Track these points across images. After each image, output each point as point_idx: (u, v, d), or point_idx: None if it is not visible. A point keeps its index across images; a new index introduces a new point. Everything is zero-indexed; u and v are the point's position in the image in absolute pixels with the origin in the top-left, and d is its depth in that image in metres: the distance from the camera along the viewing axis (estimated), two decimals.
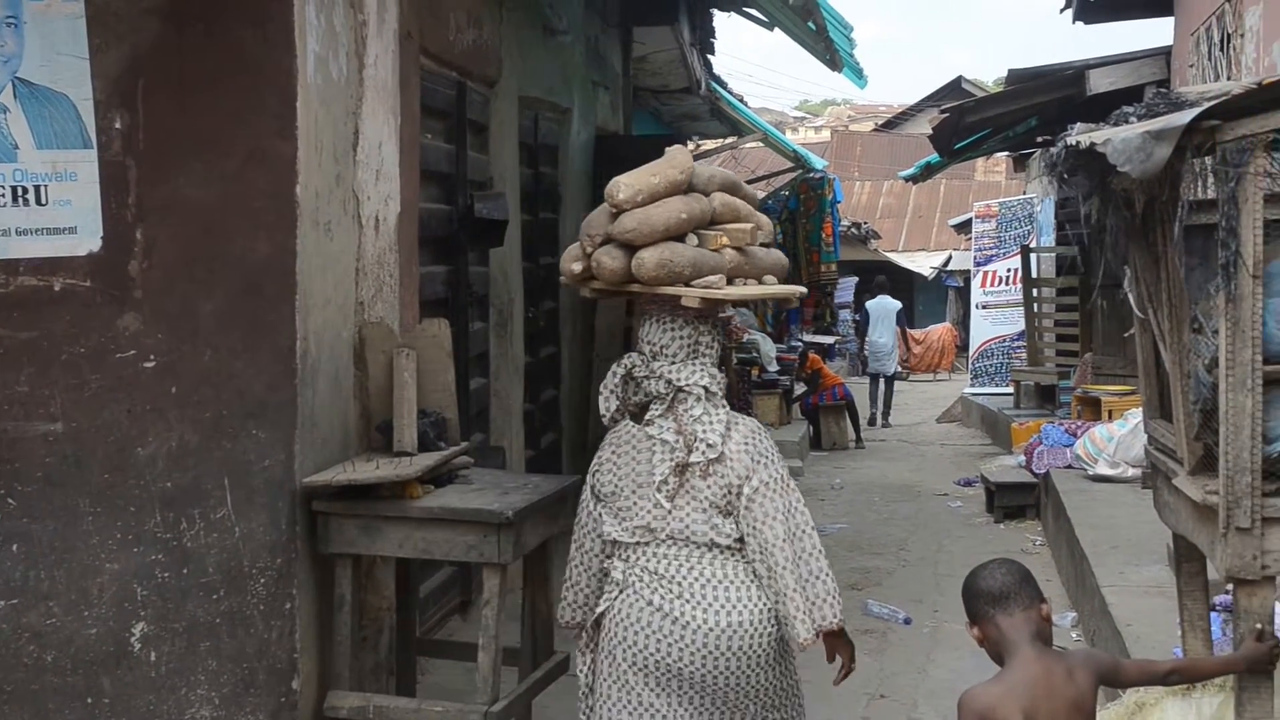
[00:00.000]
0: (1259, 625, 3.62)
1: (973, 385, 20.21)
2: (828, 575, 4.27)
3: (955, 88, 33.47)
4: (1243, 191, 3.53)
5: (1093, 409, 12.43)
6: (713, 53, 13.71)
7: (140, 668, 4.43)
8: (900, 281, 31.18)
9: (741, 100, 16.66)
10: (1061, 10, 12.73)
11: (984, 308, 20.31)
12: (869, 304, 20.82)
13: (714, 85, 14.15)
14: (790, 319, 19.34)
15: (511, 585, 5.34)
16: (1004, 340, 19.62)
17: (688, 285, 4.28)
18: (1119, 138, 3.62)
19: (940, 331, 28.90)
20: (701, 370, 4.34)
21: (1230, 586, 3.73)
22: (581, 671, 4.50)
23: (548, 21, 8.34)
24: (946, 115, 13.79)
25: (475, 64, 6.78)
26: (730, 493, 4.22)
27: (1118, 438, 10.48)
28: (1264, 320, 3.60)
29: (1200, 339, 3.81)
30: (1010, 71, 13.91)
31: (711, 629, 4.14)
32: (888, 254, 31.39)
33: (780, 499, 4.25)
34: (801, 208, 19.04)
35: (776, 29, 11.08)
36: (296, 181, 4.39)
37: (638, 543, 4.28)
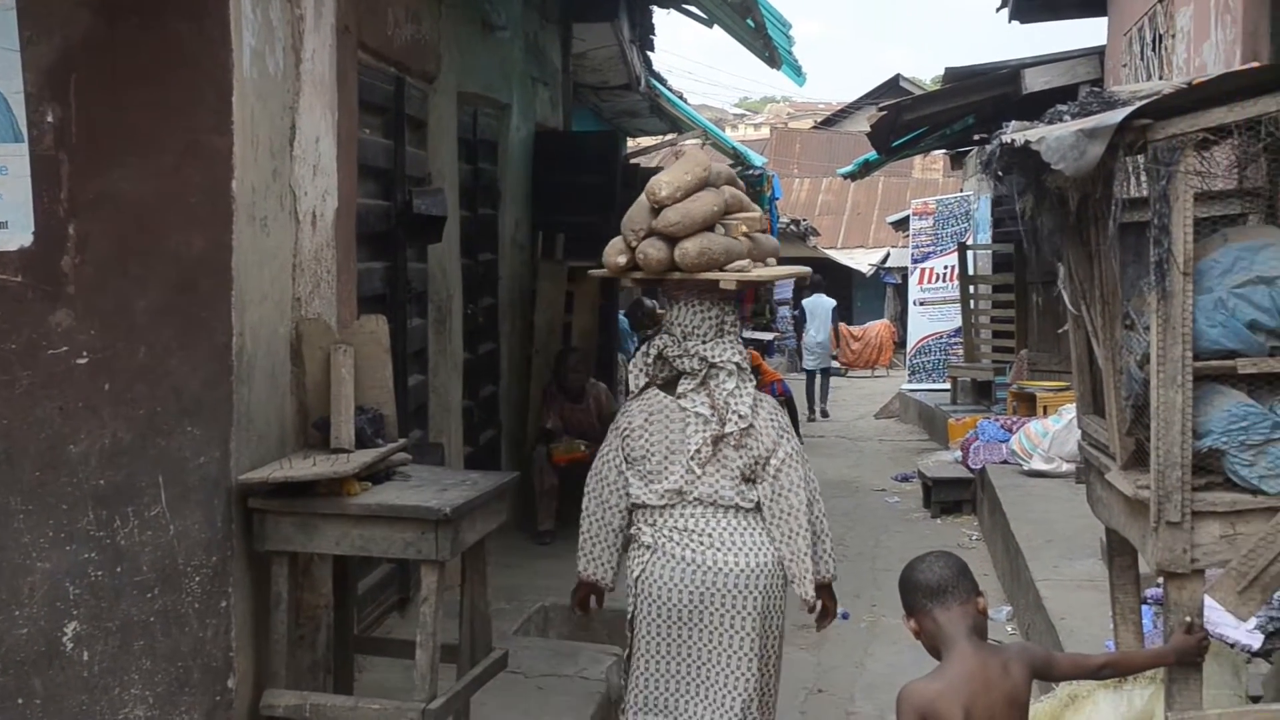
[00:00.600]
0: (1188, 618, 3.67)
1: (910, 381, 20.36)
2: (829, 534, 4.98)
3: (893, 86, 33.65)
4: (1174, 190, 3.58)
5: (1028, 405, 12.55)
6: (652, 49, 13.72)
7: (73, 667, 4.38)
8: (839, 278, 31.35)
9: (681, 97, 16.68)
10: (998, 9, 12.84)
11: (921, 304, 20.46)
12: (805, 302, 21.48)
13: (654, 82, 14.17)
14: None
15: (450, 582, 5.32)
16: (941, 337, 19.78)
17: (722, 270, 4.85)
18: (1053, 136, 3.65)
19: (878, 328, 29.08)
20: (731, 348, 4.92)
21: (1161, 580, 3.78)
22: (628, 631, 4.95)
23: (487, 17, 8.32)
24: (884, 113, 13.88)
25: (414, 59, 6.75)
26: (757, 462, 4.81)
27: (1052, 433, 10.59)
28: (1194, 317, 3.65)
29: (1132, 335, 3.86)
30: (947, 70, 14.02)
31: (741, 570, 4.75)
32: (826, 251, 31.54)
33: (800, 470, 4.86)
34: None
35: (716, 26, 11.12)
36: (232, 176, 4.35)
37: (665, 505, 4.83)
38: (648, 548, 4.87)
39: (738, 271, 4.88)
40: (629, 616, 4.95)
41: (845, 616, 8.33)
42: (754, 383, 4.99)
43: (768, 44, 10.96)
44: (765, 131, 45.68)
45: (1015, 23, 13.05)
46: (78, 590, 4.37)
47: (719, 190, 5.02)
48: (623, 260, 4.98)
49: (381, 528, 4.51)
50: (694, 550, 4.77)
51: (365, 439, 4.81)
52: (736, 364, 4.90)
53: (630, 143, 17.51)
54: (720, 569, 4.75)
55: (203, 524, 4.38)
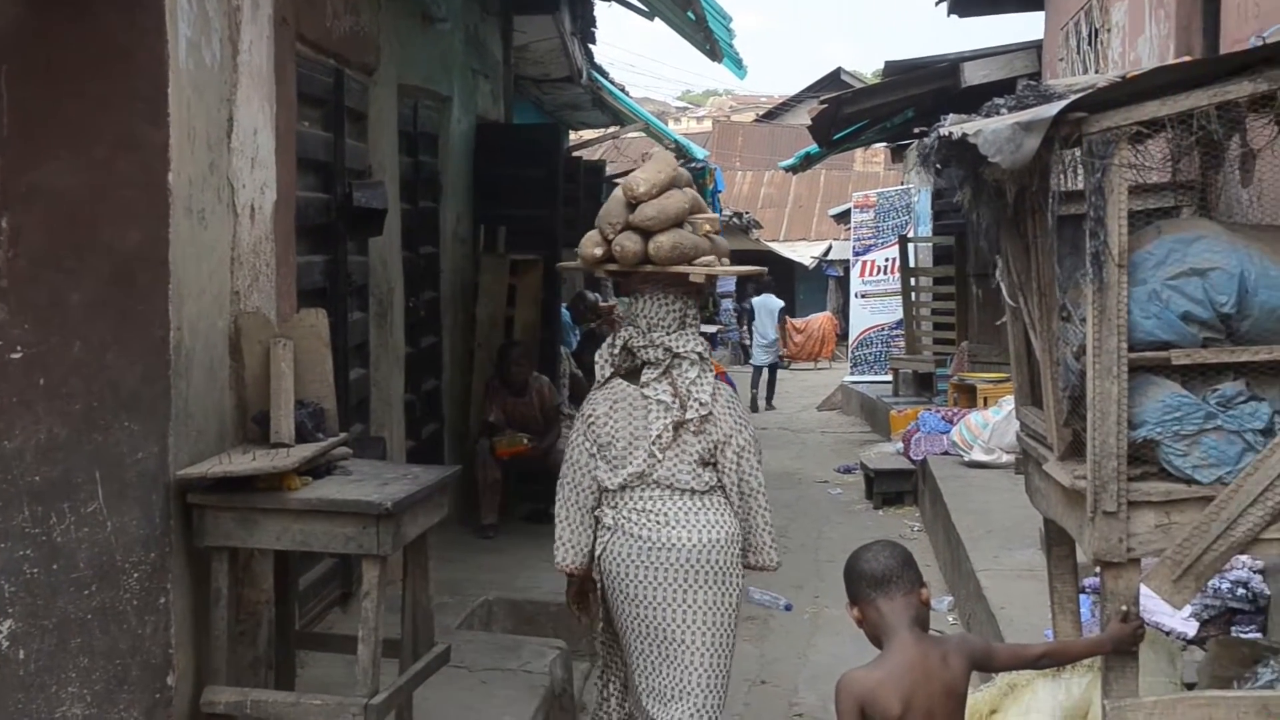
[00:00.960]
0: (1124, 607, 3.71)
1: (852, 373, 20.47)
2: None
3: (834, 79, 33.77)
4: (1108, 182, 3.62)
5: (968, 396, 12.66)
6: (594, 42, 13.69)
7: (9, 666, 4.32)
8: (781, 271, 31.44)
9: (623, 90, 16.66)
10: (937, 3, 12.91)
11: (863, 297, 20.58)
12: (754, 301, 22.00)
13: (595, 75, 14.15)
14: None
15: (392, 577, 5.29)
16: (883, 329, 19.90)
17: (690, 264, 5.13)
18: (990, 129, 3.68)
19: (821, 320, 29.23)
20: (694, 339, 5.18)
21: (1098, 569, 3.82)
22: (597, 618, 5.23)
23: (427, 9, 8.28)
24: (825, 106, 13.92)
25: (353, 51, 6.71)
26: (715, 447, 5.05)
27: (992, 424, 10.69)
28: (1129, 309, 3.69)
29: (1069, 327, 3.90)
30: (887, 63, 14.07)
31: (694, 544, 4.97)
32: (769, 244, 31.63)
33: (756, 455, 5.17)
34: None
35: (657, 19, 11.11)
36: (169, 169, 4.31)
37: (626, 487, 5.05)
38: (608, 529, 5.07)
39: (705, 266, 5.16)
40: (599, 596, 5.16)
41: (788, 608, 8.37)
42: (714, 372, 5.25)
43: (709, 37, 10.97)
44: (707, 124, 45.74)
45: (954, 16, 13.13)
46: (13, 588, 4.32)
47: (684, 190, 5.28)
48: (599, 252, 5.19)
49: (322, 523, 4.49)
50: (650, 529, 5.00)
51: (305, 433, 4.78)
52: (699, 354, 5.16)
53: (572, 135, 17.49)
54: (674, 544, 4.97)
55: (141, 520, 4.34)
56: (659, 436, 5.04)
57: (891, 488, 11.91)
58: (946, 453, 11.20)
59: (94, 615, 4.33)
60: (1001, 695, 4.66)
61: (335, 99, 6.55)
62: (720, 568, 5.01)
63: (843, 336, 26.71)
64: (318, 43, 6.16)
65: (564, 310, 11.88)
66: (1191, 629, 5.43)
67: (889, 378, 17.77)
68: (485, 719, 5.51)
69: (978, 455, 10.66)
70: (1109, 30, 8.99)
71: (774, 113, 41.48)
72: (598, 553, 5.10)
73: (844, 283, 27.28)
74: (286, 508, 4.50)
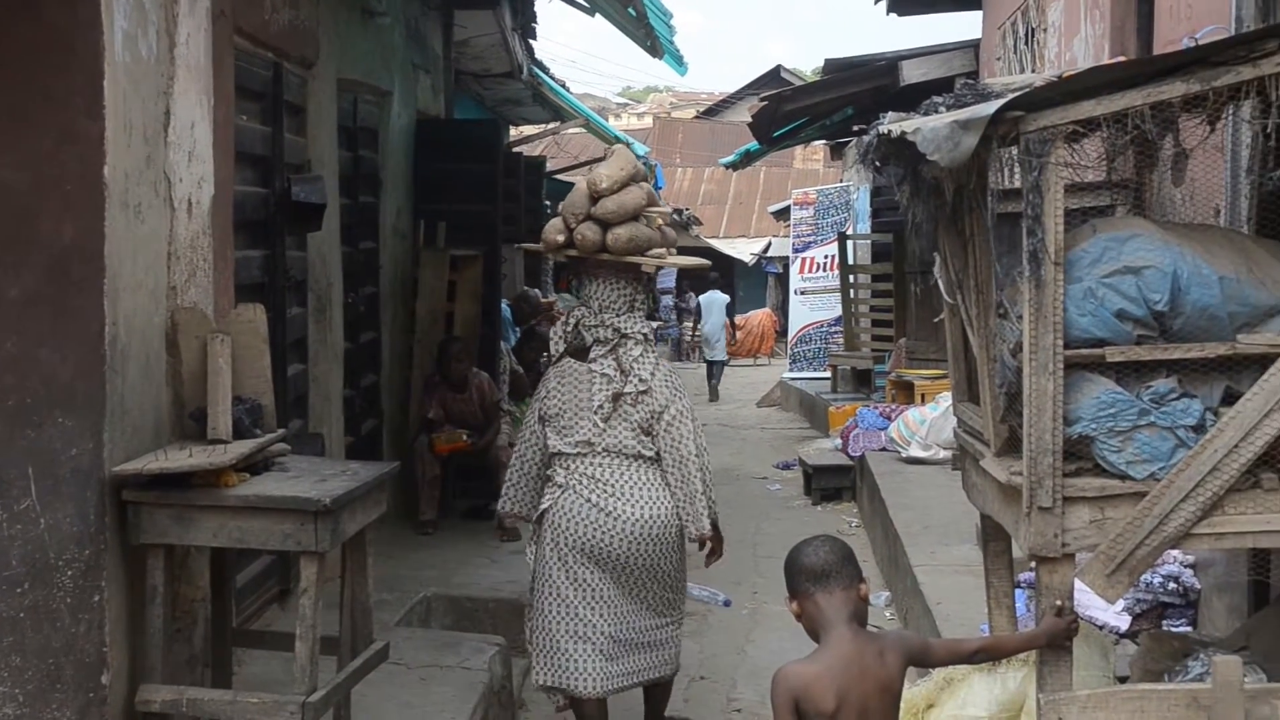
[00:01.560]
0: (1059, 602, 3.75)
1: (791, 370, 20.55)
2: (713, 483, 5.78)
3: (774, 76, 33.89)
4: (1045, 180, 3.65)
5: (906, 393, 12.73)
6: (534, 37, 13.67)
7: None
8: (721, 268, 31.49)
9: (564, 86, 16.65)
10: (876, 1, 12.99)
11: (802, 293, 20.66)
12: (701, 298, 22.81)
13: (536, 70, 14.12)
14: None
15: (330, 573, 5.26)
16: (822, 325, 19.99)
17: (643, 255, 5.73)
18: (928, 127, 3.71)
19: (760, 317, 29.32)
20: (640, 321, 5.77)
21: (1034, 564, 3.86)
22: (530, 556, 5.77)
23: (366, 3, 8.23)
24: (765, 104, 13.97)
25: (292, 45, 6.66)
26: (653, 417, 5.61)
27: (930, 420, 10.76)
28: (1065, 306, 3.73)
29: (1006, 324, 3.94)
30: (827, 61, 14.14)
31: (636, 519, 5.53)
32: (709, 240, 31.69)
33: (690, 424, 5.66)
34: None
35: (598, 15, 11.10)
36: (105, 162, 4.26)
37: (578, 454, 5.62)
38: (560, 486, 5.65)
39: (656, 258, 5.79)
40: (533, 544, 5.76)
41: (727, 604, 8.40)
42: (656, 352, 5.83)
43: (649, 33, 10.98)
44: (648, 121, 45.75)
45: (893, 15, 13.21)
46: None
47: (643, 186, 5.85)
48: (561, 239, 5.78)
49: (260, 519, 4.46)
50: (600, 496, 5.55)
51: (243, 429, 4.75)
52: (644, 335, 5.75)
53: (513, 131, 17.43)
54: (619, 516, 5.52)
55: (75, 517, 4.29)
56: (600, 406, 5.62)
57: (830, 484, 11.98)
58: (884, 449, 11.27)
59: (26, 614, 4.28)
60: (938, 690, 4.71)
61: (274, 93, 6.50)
62: (665, 539, 5.59)
63: (781, 333, 26.81)
64: (256, 36, 6.11)
65: (505, 307, 11.85)
66: (1124, 623, 5.50)
67: (828, 374, 17.86)
68: (424, 716, 5.49)
69: (915, 451, 10.73)
70: (1045, 30, 9.08)
71: (714, 110, 41.55)
72: (546, 505, 5.66)
73: (783, 279, 27.40)
74: (224, 504, 4.46)
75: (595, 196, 5.72)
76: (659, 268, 5.92)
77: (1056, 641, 3.78)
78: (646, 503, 5.55)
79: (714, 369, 22.06)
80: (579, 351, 5.76)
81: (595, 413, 5.59)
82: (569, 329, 5.81)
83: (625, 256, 5.70)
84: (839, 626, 3.41)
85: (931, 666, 3.93)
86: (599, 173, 5.78)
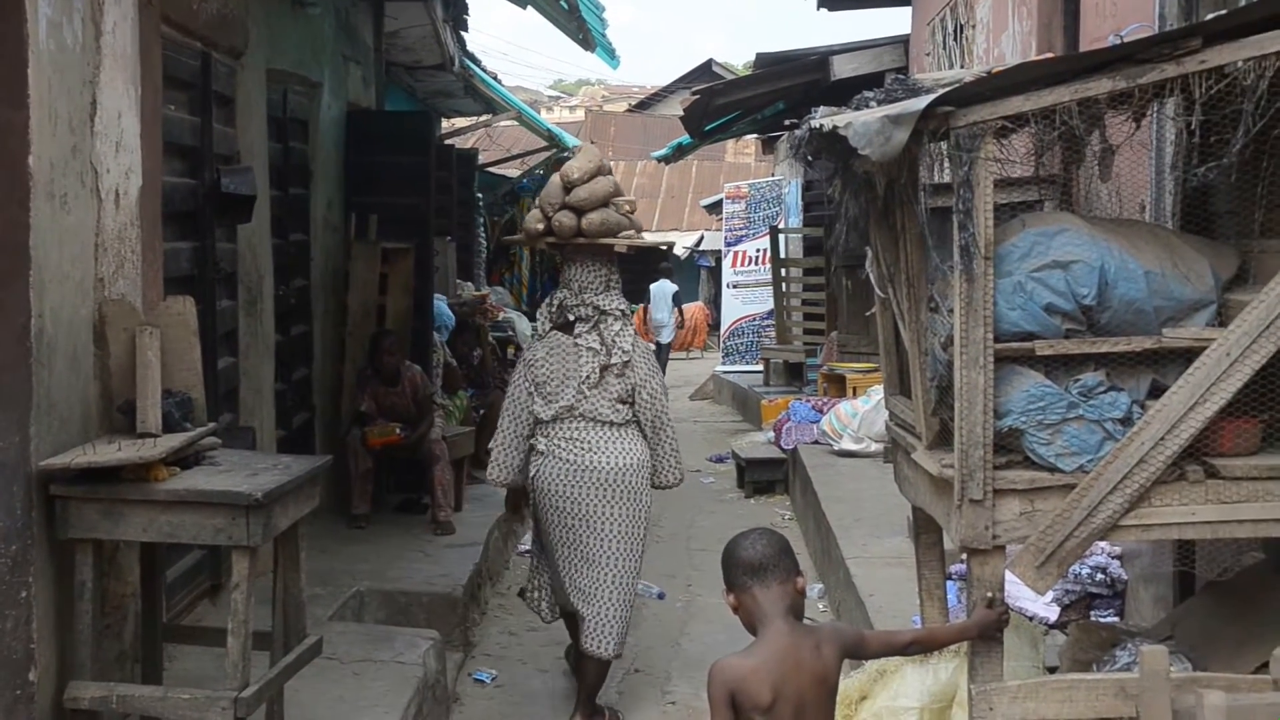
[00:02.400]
0: (990, 594, 3.79)
1: (724, 363, 20.60)
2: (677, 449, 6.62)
3: (706, 70, 33.94)
4: (975, 175, 3.69)
5: (838, 386, 12.81)
6: (466, 29, 13.60)
7: None
8: (654, 261, 31.46)
9: (495, 78, 16.57)
10: None
11: (735, 287, 20.72)
12: (652, 286, 23.43)
13: (468, 63, 14.05)
14: (545, 297, 19.38)
15: (262, 568, 5.23)
16: (754, 319, 20.05)
17: (615, 238, 6.44)
18: (859, 121, 3.73)
19: (693, 310, 29.35)
20: (617, 299, 6.45)
21: (965, 556, 3.90)
22: (528, 523, 6.74)
23: None
24: (697, 97, 14.00)
25: (220, 34, 6.59)
26: (634, 389, 6.31)
27: (861, 414, 10.83)
28: (995, 300, 3.77)
29: (936, 318, 3.97)
30: (759, 56, 14.20)
31: (611, 467, 6.22)
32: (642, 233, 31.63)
33: (665, 398, 6.51)
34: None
35: (529, 7, 11.07)
36: (29, 152, 4.21)
37: (557, 418, 6.27)
38: (541, 454, 6.31)
39: (626, 239, 6.47)
40: (531, 510, 6.45)
41: (661, 596, 8.42)
42: (632, 327, 6.47)
43: (582, 26, 10.96)
44: (580, 114, 45.67)
45: (824, 10, 13.28)
46: None
47: (609, 176, 6.56)
48: (540, 227, 6.50)
49: (190, 514, 4.42)
50: (576, 454, 6.23)
51: (173, 423, 4.70)
52: (621, 311, 6.43)
53: (445, 123, 17.35)
54: (595, 467, 6.21)
55: (1, 512, 4.23)
56: (588, 376, 6.27)
57: (763, 476, 12.02)
58: (817, 442, 11.33)
59: None
60: (871, 681, 4.75)
61: (202, 83, 6.43)
62: (632, 487, 6.26)
63: (714, 326, 26.88)
64: (184, 25, 6.04)
65: (443, 304, 11.77)
66: (1053, 614, 5.57)
67: (760, 368, 17.91)
68: (358, 711, 5.47)
69: (847, 444, 10.80)
70: (974, 26, 9.16)
71: (646, 103, 41.55)
72: (532, 473, 6.33)
73: (715, 273, 27.44)
74: (153, 499, 4.42)
75: (569, 186, 6.45)
76: (630, 247, 6.52)
77: (988, 633, 3.82)
78: (618, 453, 6.25)
79: (662, 352, 22.82)
80: (563, 326, 6.42)
81: (583, 382, 6.28)
82: (553, 309, 6.49)
83: (599, 239, 6.39)
84: (775, 620, 3.42)
85: (866, 658, 3.96)
86: (571, 165, 6.53)
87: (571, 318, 6.40)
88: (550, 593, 6.46)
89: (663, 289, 23.42)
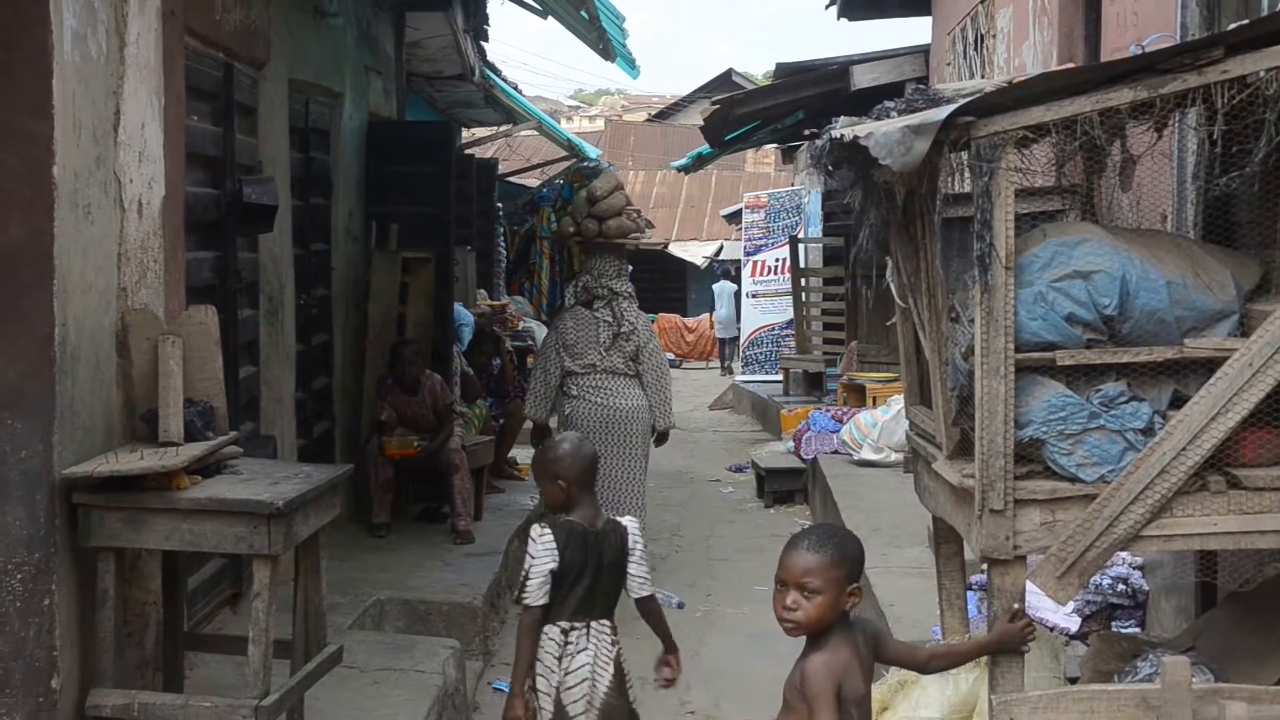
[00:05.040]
0: (1016, 606, 3.78)
1: (743, 373, 20.57)
2: (670, 399, 8.89)
3: (726, 80, 33.94)
4: (996, 185, 3.69)
5: (858, 396, 12.80)
6: (487, 40, 13.64)
7: None
8: (673, 270, 31.53)
9: (516, 88, 16.62)
10: (827, 6, 13.05)
11: (754, 297, 20.69)
12: (714, 286, 26.73)
13: (488, 73, 14.10)
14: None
15: (283, 577, 5.24)
16: (773, 329, 20.02)
17: (628, 238, 9.19)
18: (880, 131, 3.73)
19: (712, 320, 29.31)
20: (627, 283, 8.90)
21: (985, 566, 3.89)
22: None
23: (318, 4, 8.19)
24: (717, 107, 13.99)
25: (243, 45, 6.62)
26: (638, 349, 8.60)
27: (881, 423, 10.82)
28: (1016, 310, 3.76)
29: (957, 328, 3.97)
30: (778, 66, 14.19)
31: (625, 408, 8.55)
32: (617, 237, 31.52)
33: (661, 354, 8.84)
34: (575, 197, 19.06)
35: (550, 17, 11.09)
36: (53, 162, 4.23)
37: (585, 372, 8.57)
38: (573, 397, 8.60)
39: (634, 239, 9.26)
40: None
41: (680, 606, 8.41)
42: (637, 303, 8.89)
43: (602, 36, 10.98)
44: (600, 124, 45.70)
45: (844, 20, 13.28)
46: None
47: (623, 192, 9.37)
48: (572, 230, 9.30)
49: (212, 522, 4.43)
50: (601, 397, 8.54)
51: (195, 432, 4.72)
52: (630, 293, 8.82)
53: (465, 133, 17.39)
54: (616, 407, 8.52)
55: (24, 520, 4.25)
56: (604, 341, 8.57)
57: (782, 486, 12.00)
58: (836, 451, 11.31)
59: None
60: (892, 692, 4.74)
61: (225, 93, 6.46)
62: (641, 421, 8.59)
63: (735, 339, 26.86)
64: (207, 36, 6.07)
65: (460, 309, 11.79)
66: (1074, 624, 5.55)
67: (780, 377, 17.89)
68: (378, 719, 5.47)
69: (867, 454, 10.78)
70: (994, 36, 9.15)
71: (666, 113, 41.54)
72: (567, 411, 8.60)
73: (736, 282, 27.41)
74: (175, 507, 4.43)
75: (593, 200, 9.20)
76: (638, 244, 9.23)
77: (1010, 647, 3.80)
78: (629, 398, 8.57)
79: (724, 345, 25.42)
80: (585, 303, 8.68)
81: (601, 345, 8.55)
82: (578, 289, 8.82)
83: (615, 239, 9.05)
84: (845, 618, 3.43)
85: (886, 661, 3.96)
86: (595, 184, 9.35)
87: (592, 296, 8.65)
88: None
89: (724, 288, 25.93)
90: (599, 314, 8.60)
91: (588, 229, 9.01)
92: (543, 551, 4.45)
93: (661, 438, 8.83)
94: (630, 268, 8.65)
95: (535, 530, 4.53)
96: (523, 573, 4.49)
